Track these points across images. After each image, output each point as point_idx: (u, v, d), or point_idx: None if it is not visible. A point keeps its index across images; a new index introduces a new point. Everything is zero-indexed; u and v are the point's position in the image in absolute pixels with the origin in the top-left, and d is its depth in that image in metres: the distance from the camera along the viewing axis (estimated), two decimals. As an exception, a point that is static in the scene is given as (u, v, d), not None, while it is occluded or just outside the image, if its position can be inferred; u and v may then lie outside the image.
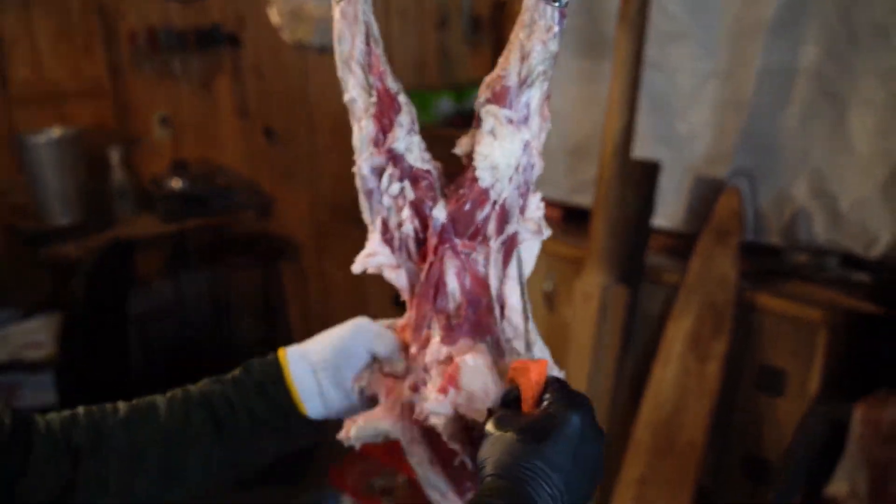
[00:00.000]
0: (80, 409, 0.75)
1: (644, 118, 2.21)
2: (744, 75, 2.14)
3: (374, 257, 0.78)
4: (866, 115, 2.00)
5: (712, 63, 2.20)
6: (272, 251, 3.29)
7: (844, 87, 2.02)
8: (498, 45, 3.23)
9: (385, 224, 0.77)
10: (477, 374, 0.72)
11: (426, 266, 0.77)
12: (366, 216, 0.77)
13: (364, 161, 0.75)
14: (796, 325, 1.96)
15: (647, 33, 2.07)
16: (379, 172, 0.76)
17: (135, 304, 3.18)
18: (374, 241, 0.78)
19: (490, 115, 0.73)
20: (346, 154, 3.12)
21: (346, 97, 0.74)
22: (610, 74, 2.15)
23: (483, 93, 0.74)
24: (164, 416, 0.77)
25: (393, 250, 0.78)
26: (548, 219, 2.65)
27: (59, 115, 3.26)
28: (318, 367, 0.80)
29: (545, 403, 0.63)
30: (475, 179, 0.74)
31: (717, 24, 2.18)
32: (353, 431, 0.80)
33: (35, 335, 2.71)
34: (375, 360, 0.82)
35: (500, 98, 0.73)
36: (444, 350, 0.76)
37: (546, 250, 2.67)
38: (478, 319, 0.77)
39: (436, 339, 0.77)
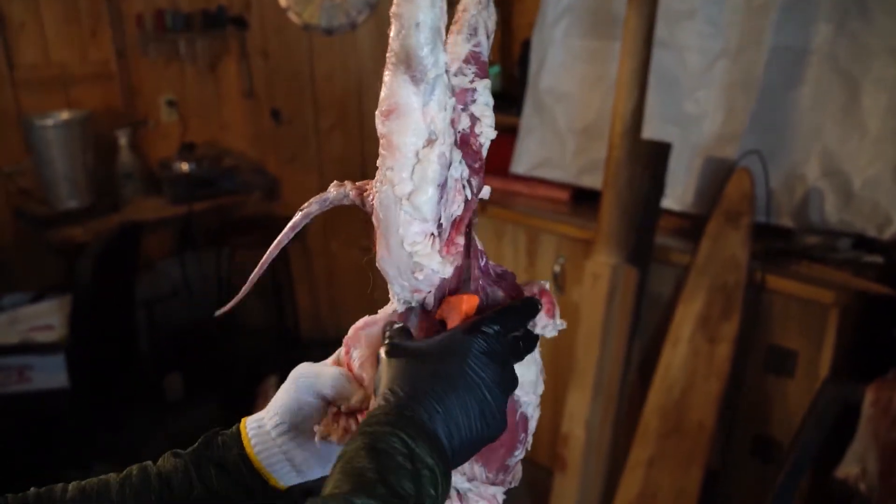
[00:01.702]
0: (32, 491, 0.71)
1: (653, 98, 2.19)
2: (754, 54, 2.12)
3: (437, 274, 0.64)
4: (879, 93, 1.98)
5: (722, 42, 2.17)
6: (279, 232, 3.28)
7: (857, 66, 2.00)
8: (506, 25, 3.21)
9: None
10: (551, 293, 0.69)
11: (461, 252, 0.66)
12: (429, 214, 0.61)
13: (446, 146, 0.61)
14: (807, 307, 1.95)
15: (657, 12, 2.05)
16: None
17: (142, 286, 3.20)
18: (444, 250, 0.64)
19: (486, 88, 0.66)
20: (352, 135, 3.15)
21: (432, 73, 0.59)
22: (619, 54, 2.13)
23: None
24: (115, 499, 0.69)
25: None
26: (556, 200, 2.62)
27: (67, 98, 3.26)
28: (276, 432, 0.71)
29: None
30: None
31: (728, 1, 2.16)
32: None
33: (45, 318, 2.72)
34: (331, 403, 0.71)
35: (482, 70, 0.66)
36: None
37: (555, 231, 2.68)
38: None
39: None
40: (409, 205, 0.60)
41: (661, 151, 2.20)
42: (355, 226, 3.63)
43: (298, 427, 0.70)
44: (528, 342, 0.64)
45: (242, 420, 0.73)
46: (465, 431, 0.56)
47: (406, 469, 0.50)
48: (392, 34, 0.58)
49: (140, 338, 3.18)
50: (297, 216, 0.67)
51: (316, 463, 0.71)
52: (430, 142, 0.59)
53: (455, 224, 0.63)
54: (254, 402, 2.99)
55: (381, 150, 0.60)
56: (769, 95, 2.12)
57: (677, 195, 2.28)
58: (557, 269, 2.44)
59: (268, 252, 0.69)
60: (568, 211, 2.56)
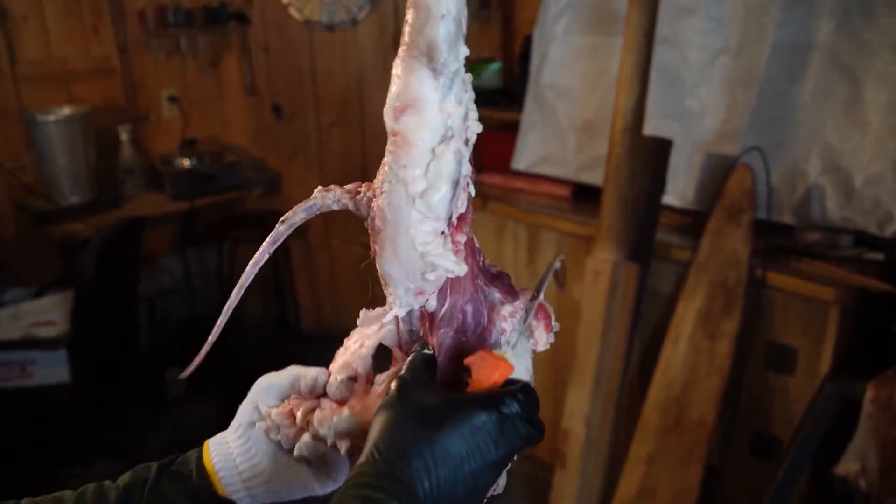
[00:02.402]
0: None
1: (654, 94, 2.18)
2: (756, 50, 2.11)
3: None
4: (880, 89, 1.97)
5: (724, 38, 2.17)
6: (280, 228, 3.31)
7: (858, 62, 2.00)
8: (507, 21, 3.20)
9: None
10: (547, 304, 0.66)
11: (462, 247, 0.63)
12: (443, 212, 0.58)
13: (461, 143, 0.58)
14: (807, 304, 1.94)
15: (658, 8, 2.04)
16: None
17: (144, 281, 3.20)
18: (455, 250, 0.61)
19: (468, 83, 0.63)
20: (353, 131, 3.15)
21: (453, 67, 0.56)
22: (620, 50, 2.12)
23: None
24: None
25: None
26: (557, 196, 2.61)
27: (68, 94, 3.26)
28: (234, 444, 0.70)
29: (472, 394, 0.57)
30: None
31: (730, -2, 2.16)
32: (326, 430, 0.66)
33: (47, 313, 2.72)
34: (288, 398, 0.69)
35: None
36: (515, 304, 0.65)
37: (555, 228, 2.68)
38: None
39: (499, 306, 0.65)
40: (423, 203, 0.57)
41: (662, 148, 2.20)
42: (355, 223, 3.59)
43: (256, 435, 0.70)
44: (538, 432, 0.58)
45: (206, 441, 0.72)
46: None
47: None
48: (410, 24, 0.55)
49: (141, 333, 3.17)
50: (281, 227, 0.64)
51: (281, 474, 0.69)
52: (447, 138, 0.57)
53: (458, 221, 0.61)
54: (254, 398, 2.99)
55: (390, 148, 0.57)
56: (770, 92, 2.12)
57: (678, 192, 2.28)
58: (558, 265, 2.44)
59: (248, 266, 0.65)
60: (569, 207, 2.56)
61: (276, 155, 3.64)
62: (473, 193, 0.62)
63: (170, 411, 3.19)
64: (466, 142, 0.61)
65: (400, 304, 0.62)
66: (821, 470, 1.89)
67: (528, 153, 2.67)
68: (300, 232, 3.52)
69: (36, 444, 2.67)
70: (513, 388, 0.57)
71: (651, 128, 2.20)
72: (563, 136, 2.58)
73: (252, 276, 0.66)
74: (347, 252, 3.66)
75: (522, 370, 0.63)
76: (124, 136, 3.29)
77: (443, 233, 0.59)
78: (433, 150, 0.57)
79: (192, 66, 3.60)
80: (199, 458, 0.70)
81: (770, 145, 2.11)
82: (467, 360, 0.59)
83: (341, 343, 0.70)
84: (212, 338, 0.70)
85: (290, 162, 3.60)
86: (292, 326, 3.59)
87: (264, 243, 0.64)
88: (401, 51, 0.56)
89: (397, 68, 0.56)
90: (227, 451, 0.69)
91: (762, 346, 2.05)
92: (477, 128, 0.61)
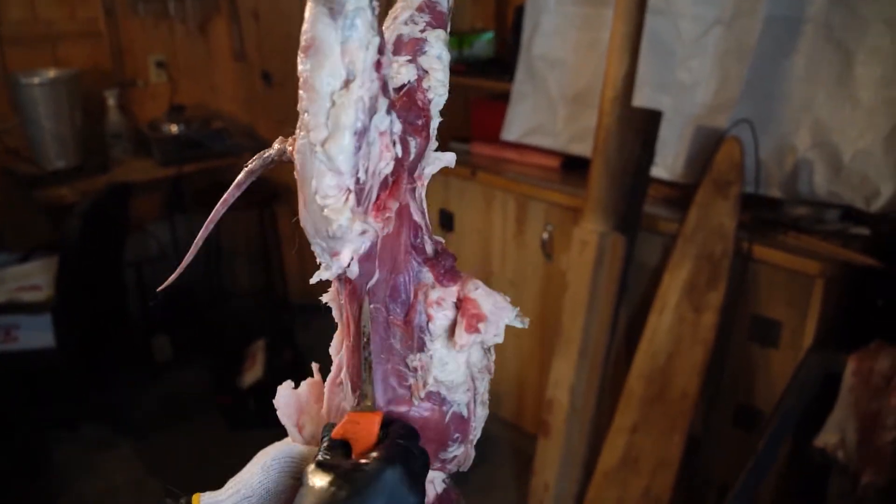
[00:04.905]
0: None
1: (645, 65, 2.17)
2: (749, 22, 2.09)
3: (363, 234, 0.58)
4: (873, 64, 1.96)
5: (717, 10, 2.15)
6: (268, 195, 3.29)
7: (851, 36, 1.98)
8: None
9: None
10: (488, 298, 0.61)
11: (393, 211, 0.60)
12: (343, 165, 0.55)
13: (365, 90, 0.54)
14: (793, 277, 1.95)
15: (651, -23, 2.02)
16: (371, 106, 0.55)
17: (131, 247, 3.18)
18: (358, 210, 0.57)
19: (438, 39, 0.61)
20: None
21: (351, 6, 0.52)
22: (611, 21, 2.10)
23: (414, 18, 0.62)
24: None
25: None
26: (546, 167, 2.61)
27: (54, 56, 3.21)
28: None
29: (370, 455, 0.57)
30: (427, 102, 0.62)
31: (724, -32, 2.13)
32: None
33: (33, 278, 2.70)
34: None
35: (438, 20, 0.62)
36: (448, 290, 0.61)
37: (544, 199, 2.67)
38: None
39: (429, 288, 0.61)
40: (324, 153, 0.53)
41: (652, 119, 2.19)
42: None
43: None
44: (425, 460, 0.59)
45: (196, 495, 0.68)
46: None
47: None
48: None
49: (128, 299, 3.17)
50: (241, 174, 0.63)
51: None
52: (347, 83, 0.53)
53: (389, 186, 0.58)
54: (241, 365, 3.00)
55: (299, 92, 0.54)
56: (762, 64, 2.10)
57: (667, 164, 2.27)
58: (546, 236, 2.44)
59: (213, 211, 0.64)
60: (558, 178, 2.56)
61: (266, 122, 3.61)
62: (406, 156, 0.58)
63: (157, 377, 3.20)
64: (406, 99, 0.57)
65: (324, 264, 0.60)
66: (801, 442, 1.91)
67: (519, 124, 2.66)
68: (287, 199, 3.51)
69: (22, 408, 2.67)
70: (397, 433, 0.58)
71: (641, 99, 2.18)
72: (553, 106, 2.57)
73: (221, 213, 0.65)
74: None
75: (457, 380, 0.61)
76: (111, 101, 3.24)
77: (349, 189, 0.56)
78: (332, 96, 0.53)
79: (181, 31, 3.55)
80: None
81: (760, 119, 2.10)
82: (336, 433, 0.58)
83: (328, 313, 0.67)
84: (189, 256, 0.67)
85: (279, 129, 3.41)
86: (279, 294, 3.59)
87: (231, 187, 0.63)
88: None
89: (306, 7, 0.53)
90: None
91: (746, 318, 2.06)
92: (441, 90, 0.59)
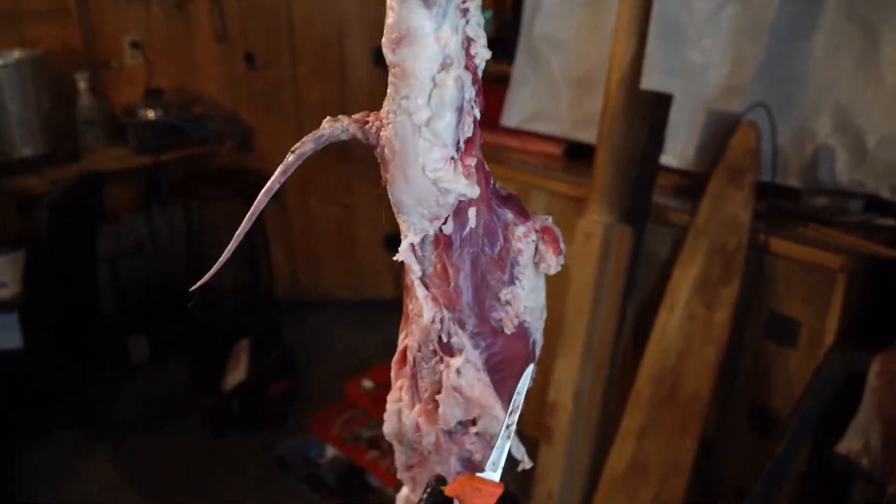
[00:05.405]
0: None
1: (654, 46, 2.08)
2: (765, -1, 2.01)
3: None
4: (900, 43, 1.88)
5: (732, -16, 2.06)
6: (252, 185, 3.19)
7: (875, 13, 1.91)
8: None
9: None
10: (557, 226, 0.72)
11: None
12: (447, 136, 0.61)
13: (461, 69, 0.60)
14: (812, 272, 1.87)
15: (662, -51, 1.93)
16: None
17: (105, 240, 3.08)
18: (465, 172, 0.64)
19: (477, 7, 0.64)
20: (331, 82, 2.98)
21: None
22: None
23: None
24: None
25: None
26: (549, 155, 2.56)
27: (19, 35, 3.08)
28: None
29: None
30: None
31: (739, -60, 2.05)
32: None
33: (-1, 274, 2.60)
34: None
35: None
36: (527, 225, 0.71)
37: (546, 188, 2.57)
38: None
39: (513, 226, 0.70)
40: (429, 131, 0.60)
41: (661, 103, 2.10)
42: (334, 182, 3.58)
43: None
44: None
45: None
46: None
47: None
48: None
49: (102, 296, 3.08)
50: (290, 158, 0.64)
51: None
52: (445, 66, 0.59)
53: (466, 146, 0.63)
54: (224, 366, 2.88)
55: (391, 80, 0.59)
56: (779, 44, 2.02)
57: (677, 151, 2.20)
58: (547, 227, 2.36)
59: (255, 202, 0.64)
60: (561, 167, 2.49)
61: (249, 107, 3.55)
62: (479, 116, 0.64)
63: (133, 378, 3.11)
64: (468, 68, 0.62)
65: (415, 230, 0.66)
66: (821, 446, 1.83)
67: (519, 109, 2.59)
68: (275, 193, 3.44)
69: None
70: None
71: (650, 82, 2.10)
72: (556, 90, 2.50)
73: (263, 204, 0.65)
74: (325, 214, 3.60)
75: (539, 304, 0.73)
76: (82, 84, 3.13)
77: (452, 158, 0.62)
78: (433, 79, 0.59)
79: (157, 10, 3.44)
80: None
81: (777, 102, 2.02)
82: (450, 490, 0.61)
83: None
84: (226, 254, 0.69)
85: (264, 114, 3.53)
86: (265, 292, 3.50)
87: (276, 173, 0.63)
88: None
89: (391, 0, 0.58)
90: None
91: (762, 315, 1.99)
92: (486, 54, 0.63)
